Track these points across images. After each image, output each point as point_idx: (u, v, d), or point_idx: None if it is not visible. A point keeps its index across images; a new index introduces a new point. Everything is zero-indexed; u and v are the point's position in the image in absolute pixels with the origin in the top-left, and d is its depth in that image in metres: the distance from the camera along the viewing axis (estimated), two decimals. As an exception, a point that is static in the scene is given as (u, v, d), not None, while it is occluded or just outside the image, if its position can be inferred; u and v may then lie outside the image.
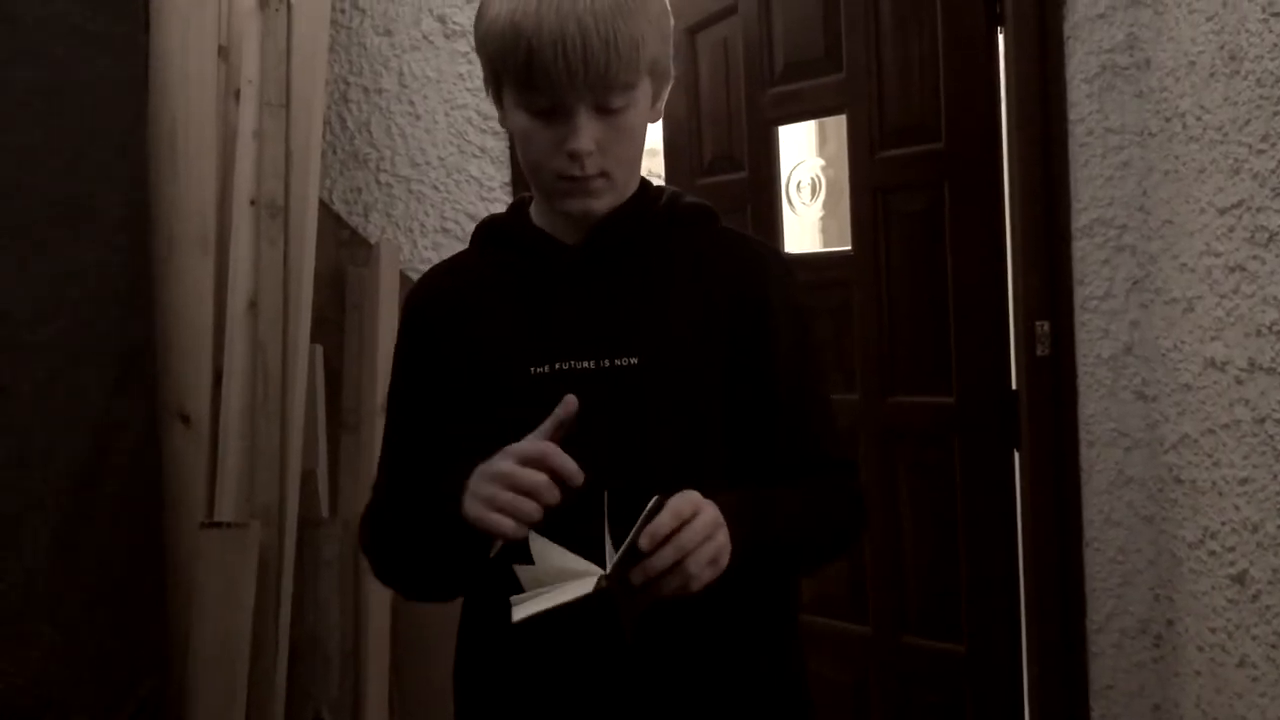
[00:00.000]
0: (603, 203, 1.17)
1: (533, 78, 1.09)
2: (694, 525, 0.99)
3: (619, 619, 1.03)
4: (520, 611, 0.99)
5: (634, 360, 1.15)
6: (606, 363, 1.15)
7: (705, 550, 1.00)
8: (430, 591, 1.24)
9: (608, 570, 0.97)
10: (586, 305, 1.18)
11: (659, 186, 1.25)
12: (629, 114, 1.13)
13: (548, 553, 1.02)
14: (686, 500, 1.00)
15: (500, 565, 1.06)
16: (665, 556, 0.98)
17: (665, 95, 1.20)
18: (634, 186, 1.22)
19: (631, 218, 1.20)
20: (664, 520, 0.98)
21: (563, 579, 0.99)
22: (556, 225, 1.21)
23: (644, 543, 0.97)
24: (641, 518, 0.98)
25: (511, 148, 2.51)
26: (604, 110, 1.11)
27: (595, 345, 1.14)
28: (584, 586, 0.96)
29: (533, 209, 1.26)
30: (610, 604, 1.00)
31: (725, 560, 1.02)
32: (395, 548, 1.21)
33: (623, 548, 0.98)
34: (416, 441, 1.23)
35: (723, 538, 1.02)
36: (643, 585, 0.99)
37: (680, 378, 1.15)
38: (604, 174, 1.14)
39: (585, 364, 1.15)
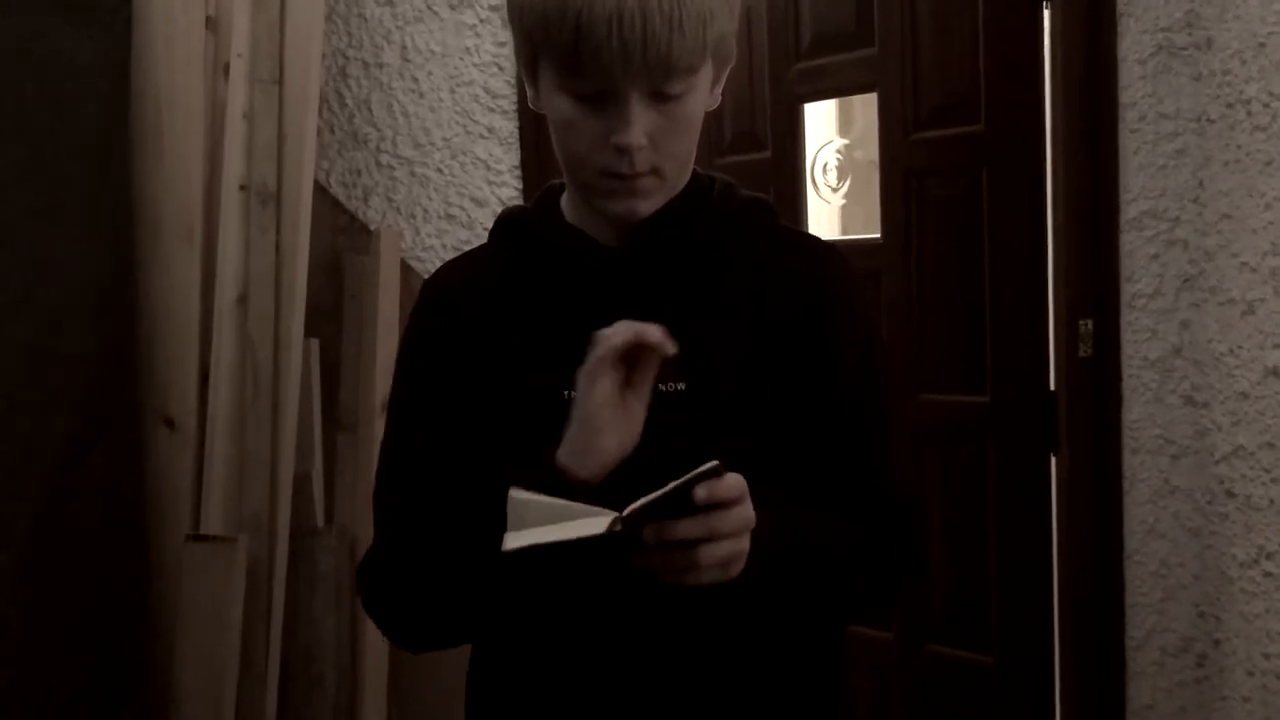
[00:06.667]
0: (650, 203, 1.05)
1: (580, 59, 0.96)
2: (731, 513, 0.90)
3: (627, 568, 0.93)
4: (513, 541, 0.88)
5: (681, 386, 1.05)
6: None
7: (724, 547, 0.91)
8: (479, 627, 1.10)
9: (624, 514, 0.86)
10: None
11: (710, 177, 1.13)
12: (688, 101, 1.01)
13: (547, 500, 0.92)
14: (740, 483, 0.91)
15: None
16: (694, 527, 0.89)
17: (725, 78, 1.07)
18: (685, 182, 1.10)
19: (681, 218, 1.08)
20: (729, 484, 0.89)
21: (568, 517, 0.89)
22: (594, 223, 1.10)
23: (700, 494, 0.87)
24: (695, 473, 0.87)
25: (522, 129, 2.46)
26: (660, 97, 0.99)
27: None
28: (594, 526, 0.86)
29: (564, 202, 1.14)
30: (618, 552, 0.91)
31: (737, 569, 0.93)
32: (432, 579, 1.05)
33: (656, 494, 0.87)
34: (431, 466, 1.09)
35: (747, 544, 0.93)
36: (644, 550, 0.91)
37: (732, 406, 1.06)
38: (655, 171, 1.03)
39: None
